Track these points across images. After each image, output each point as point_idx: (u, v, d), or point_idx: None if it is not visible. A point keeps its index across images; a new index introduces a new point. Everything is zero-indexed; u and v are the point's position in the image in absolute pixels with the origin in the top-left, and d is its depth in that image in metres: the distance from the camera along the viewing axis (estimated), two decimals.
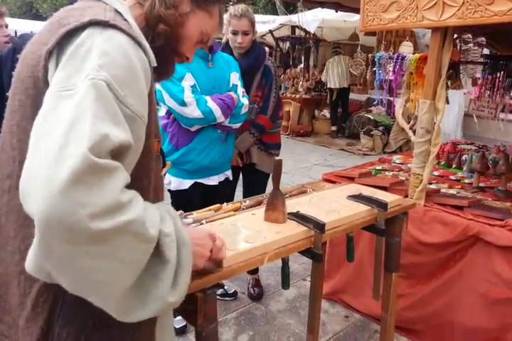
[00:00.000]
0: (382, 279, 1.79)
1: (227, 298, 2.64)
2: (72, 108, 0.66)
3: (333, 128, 8.03)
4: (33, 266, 0.66)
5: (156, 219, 0.73)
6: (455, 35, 2.11)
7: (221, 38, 2.73)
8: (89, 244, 0.61)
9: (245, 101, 2.27)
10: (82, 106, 0.66)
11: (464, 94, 5.71)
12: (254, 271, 2.76)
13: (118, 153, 0.67)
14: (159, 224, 0.73)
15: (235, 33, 2.38)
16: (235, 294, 2.67)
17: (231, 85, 2.25)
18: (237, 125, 2.28)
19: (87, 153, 0.61)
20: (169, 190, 2.25)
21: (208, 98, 2.09)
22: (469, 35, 2.59)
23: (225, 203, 1.56)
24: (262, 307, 2.61)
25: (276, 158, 1.30)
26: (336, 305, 2.62)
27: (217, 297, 2.60)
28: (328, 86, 7.79)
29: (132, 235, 0.66)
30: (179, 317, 2.16)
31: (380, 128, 6.98)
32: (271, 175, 1.39)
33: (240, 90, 2.27)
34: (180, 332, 2.27)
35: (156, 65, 0.86)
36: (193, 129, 2.15)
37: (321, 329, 2.31)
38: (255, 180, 2.67)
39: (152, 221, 0.71)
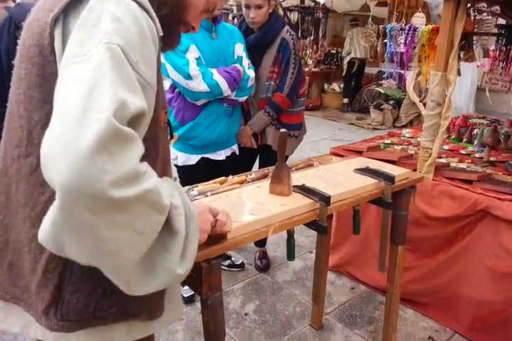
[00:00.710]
0: (388, 252, 1.79)
1: (234, 269, 2.68)
2: (89, 72, 0.65)
3: (345, 100, 7.87)
4: (46, 235, 0.65)
5: (167, 191, 0.73)
6: (469, 4, 2.03)
7: (228, 9, 2.66)
8: (109, 212, 0.61)
9: (251, 73, 2.21)
10: (99, 70, 0.65)
11: (478, 66, 5.56)
12: (262, 244, 2.79)
13: (133, 121, 0.66)
14: (170, 196, 0.73)
15: (247, 6, 2.26)
16: (242, 265, 2.71)
17: (236, 57, 2.19)
18: (244, 98, 2.24)
19: (111, 119, 0.60)
20: (176, 165, 2.24)
21: (213, 71, 2.04)
22: (484, 4, 2.48)
23: (230, 176, 1.55)
24: (268, 278, 2.65)
25: (282, 130, 1.28)
26: (343, 277, 2.65)
27: (225, 268, 2.69)
28: (354, 56, 7.55)
29: (149, 204, 0.66)
30: (187, 287, 2.20)
31: (391, 102, 6.85)
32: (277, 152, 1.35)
33: (246, 62, 2.21)
34: (189, 301, 2.32)
35: (162, 33, 0.84)
36: (199, 103, 2.11)
37: (326, 300, 2.35)
38: (271, 162, 2.56)
39: (165, 193, 0.71)
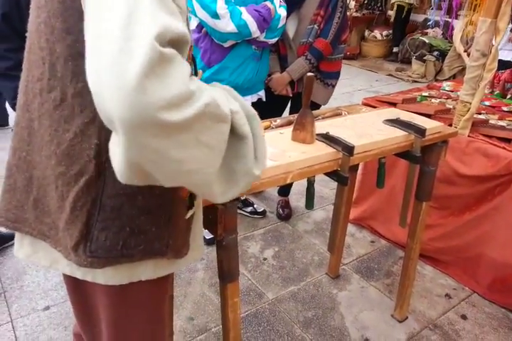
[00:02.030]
0: (412, 208, 1.77)
1: (256, 216, 2.74)
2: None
3: (396, 49, 7.48)
4: (130, 177, 0.65)
5: (223, 99, 0.72)
6: None
7: None
8: (175, 134, 0.61)
9: (283, 12, 2.10)
10: None
11: None
12: (285, 193, 2.82)
13: (177, 45, 0.63)
14: (227, 103, 0.72)
15: None
16: (263, 213, 2.76)
17: None
18: (274, 40, 2.15)
19: (154, 43, 0.58)
20: None
21: (242, 9, 1.95)
22: None
23: None
24: (289, 226, 2.70)
25: (309, 74, 1.23)
26: (363, 231, 2.68)
27: (247, 214, 2.75)
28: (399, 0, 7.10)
29: (211, 118, 0.65)
30: None
31: (435, 53, 6.47)
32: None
33: None
34: (210, 242, 2.40)
35: None
36: (226, 45, 2.05)
37: (345, 251, 2.39)
38: None
39: (222, 101, 0.70)
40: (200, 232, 1.02)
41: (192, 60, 0.94)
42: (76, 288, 0.99)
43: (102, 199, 0.80)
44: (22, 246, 0.94)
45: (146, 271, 0.90)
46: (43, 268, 2.23)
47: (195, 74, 0.98)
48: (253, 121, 0.79)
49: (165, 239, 0.87)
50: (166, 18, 0.61)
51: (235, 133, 0.74)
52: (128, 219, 0.82)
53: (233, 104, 0.75)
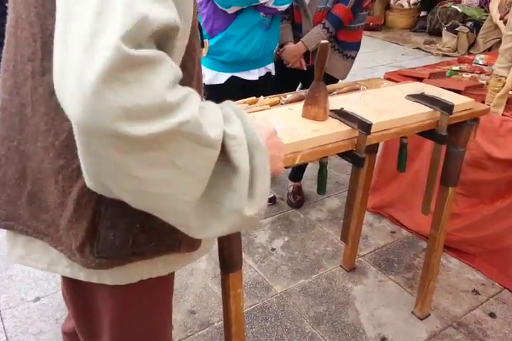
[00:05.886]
0: (437, 193, 1.75)
1: None
2: None
3: (423, 13, 7.41)
4: (91, 182, 0.64)
5: (217, 119, 0.68)
6: None
7: None
8: (139, 150, 0.58)
9: None
10: None
11: None
12: (297, 178, 2.81)
13: (163, 36, 0.60)
14: (222, 125, 0.68)
15: None
16: (273, 199, 2.76)
17: None
18: (284, 6, 2.10)
19: (119, 44, 0.54)
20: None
21: None
22: None
23: (262, 97, 1.51)
24: (300, 214, 2.70)
25: (323, 41, 1.20)
26: (383, 220, 2.66)
27: None
28: None
29: (188, 139, 0.61)
30: None
31: (469, 23, 6.33)
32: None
33: None
34: None
35: None
36: (230, 11, 2.00)
37: (362, 242, 2.38)
38: None
39: (212, 122, 0.66)
40: None
41: (198, 28, 0.89)
42: (76, 289, 0.97)
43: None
44: (15, 247, 0.92)
45: (157, 267, 0.89)
46: None
47: (202, 45, 0.95)
48: (255, 151, 0.72)
49: (177, 233, 0.82)
50: (145, 7, 0.57)
51: (229, 162, 0.69)
52: (137, 214, 0.78)
53: (233, 127, 0.70)
